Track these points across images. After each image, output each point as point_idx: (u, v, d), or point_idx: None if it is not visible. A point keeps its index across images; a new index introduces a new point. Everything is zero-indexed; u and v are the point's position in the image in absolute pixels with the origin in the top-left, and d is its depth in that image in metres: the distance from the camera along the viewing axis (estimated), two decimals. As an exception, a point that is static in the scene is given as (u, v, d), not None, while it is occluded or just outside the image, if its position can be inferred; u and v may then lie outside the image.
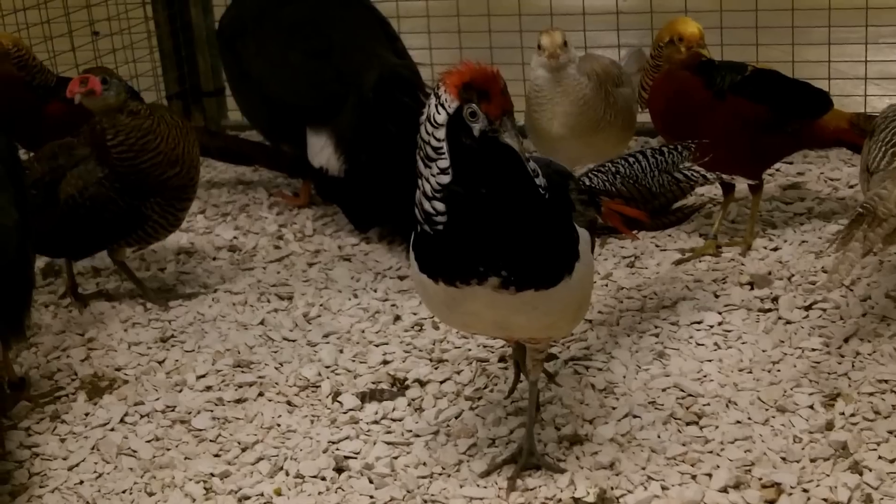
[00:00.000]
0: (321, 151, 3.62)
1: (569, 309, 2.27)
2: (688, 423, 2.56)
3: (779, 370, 2.73)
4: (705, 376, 2.73)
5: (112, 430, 2.69)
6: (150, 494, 2.47)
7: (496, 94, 2.07)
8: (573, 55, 3.34)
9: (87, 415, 2.76)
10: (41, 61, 3.76)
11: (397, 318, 3.10)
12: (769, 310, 3.01)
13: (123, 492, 2.48)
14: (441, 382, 2.78)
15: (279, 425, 2.67)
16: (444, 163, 2.09)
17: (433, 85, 2.13)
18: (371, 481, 2.45)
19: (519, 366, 2.63)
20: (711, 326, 2.94)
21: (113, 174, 3.07)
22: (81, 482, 2.52)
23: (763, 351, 2.82)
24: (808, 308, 2.99)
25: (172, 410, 2.75)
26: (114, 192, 3.07)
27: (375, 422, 2.65)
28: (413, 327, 3.04)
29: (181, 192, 3.14)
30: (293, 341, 3.03)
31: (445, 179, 2.09)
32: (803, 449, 2.45)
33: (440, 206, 2.10)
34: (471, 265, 2.12)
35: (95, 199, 3.08)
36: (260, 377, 2.86)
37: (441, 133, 2.08)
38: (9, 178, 2.69)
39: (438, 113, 2.08)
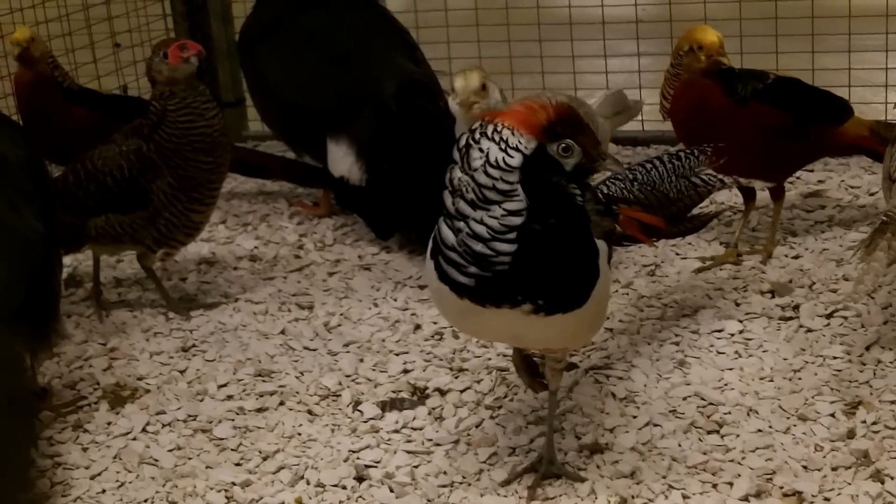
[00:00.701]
0: (342, 161, 3.63)
1: (586, 323, 2.26)
2: (709, 432, 2.55)
3: (800, 378, 2.72)
4: (726, 385, 2.72)
5: (134, 439, 2.71)
6: (172, 503, 2.48)
7: (586, 127, 2.07)
8: (495, 100, 2.79)
9: (109, 424, 2.77)
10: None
11: (417, 327, 3.11)
12: (790, 318, 3.00)
13: (145, 501, 2.49)
14: (461, 391, 2.78)
15: (300, 434, 2.68)
16: (517, 204, 2.03)
17: (483, 129, 2.06)
18: (392, 490, 2.45)
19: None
20: (732, 335, 2.94)
21: (144, 146, 3.09)
22: (103, 491, 2.53)
23: (784, 359, 2.81)
24: (829, 316, 2.98)
25: (194, 419, 2.76)
26: (127, 161, 3.10)
27: (396, 431, 2.66)
28: (433, 336, 3.05)
29: (195, 188, 3.14)
30: (314, 350, 3.04)
31: (517, 221, 2.03)
32: (825, 457, 2.44)
33: (507, 247, 2.04)
34: (510, 295, 2.09)
35: (107, 159, 3.12)
36: (281, 386, 2.87)
37: (514, 176, 2.02)
38: (35, 191, 2.72)
39: (511, 156, 2.02)
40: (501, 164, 2.03)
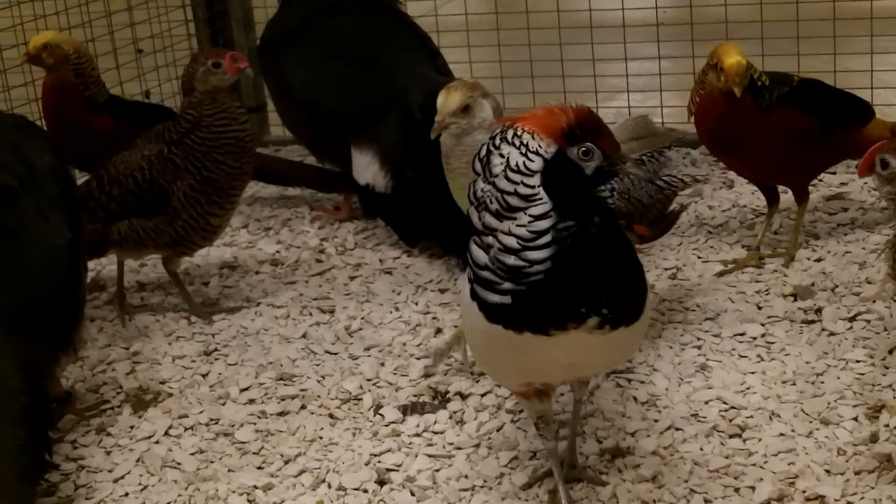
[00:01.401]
0: (367, 169, 3.65)
1: (641, 334, 2.20)
2: (731, 436, 2.55)
3: (822, 382, 2.71)
4: (748, 388, 2.72)
5: (156, 442, 2.72)
6: (194, 507, 2.50)
7: (607, 130, 2.04)
8: (482, 119, 2.69)
9: (131, 427, 2.79)
10: (99, 75, 3.80)
11: (438, 330, 3.11)
12: (812, 321, 2.99)
13: (168, 504, 2.51)
14: (482, 395, 2.78)
15: (321, 438, 2.68)
16: (541, 208, 1.99)
17: (503, 134, 2.03)
18: (413, 494, 2.45)
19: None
20: (754, 338, 2.93)
21: (165, 149, 3.13)
22: (126, 494, 2.55)
23: (806, 363, 2.80)
24: (851, 319, 2.97)
25: (216, 423, 2.77)
26: (148, 164, 3.14)
27: (417, 434, 2.66)
28: (454, 340, 3.05)
29: (216, 192, 3.16)
30: (335, 354, 3.05)
31: (545, 224, 1.98)
32: (847, 461, 2.43)
33: (539, 254, 1.98)
34: (572, 308, 2.01)
35: (129, 163, 3.17)
36: (302, 390, 2.88)
37: (534, 180, 1.99)
38: (61, 197, 2.74)
39: (531, 160, 1.99)
40: (522, 168, 2.01)
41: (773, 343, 2.90)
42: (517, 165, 2.01)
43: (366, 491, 2.48)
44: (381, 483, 2.50)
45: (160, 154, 3.14)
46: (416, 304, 3.28)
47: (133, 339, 3.22)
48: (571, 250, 1.99)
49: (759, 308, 3.08)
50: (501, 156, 2.03)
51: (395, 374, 2.92)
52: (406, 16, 4.00)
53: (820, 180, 3.77)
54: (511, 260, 2.00)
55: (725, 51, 3.11)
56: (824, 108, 3.25)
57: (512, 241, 2.00)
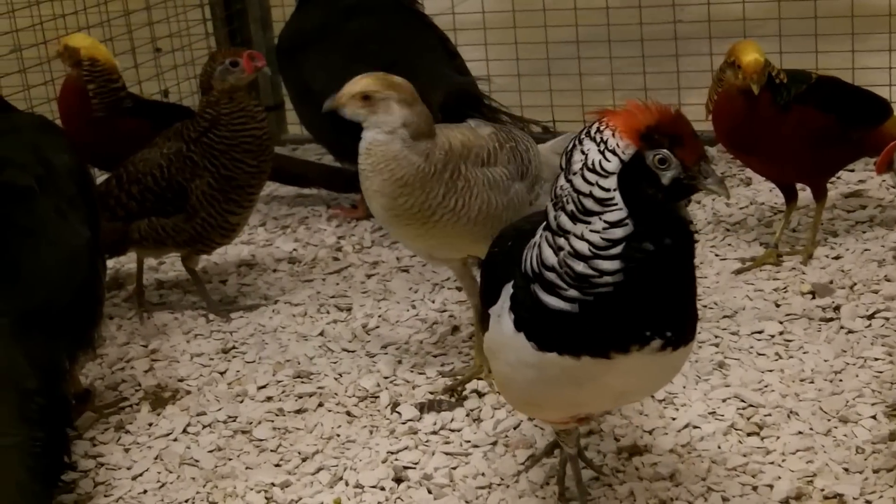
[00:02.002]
0: None
1: (688, 356, 2.07)
2: (748, 434, 2.54)
3: (841, 380, 2.70)
4: (766, 386, 2.71)
5: (175, 440, 2.73)
6: (213, 504, 2.51)
7: (690, 138, 1.86)
8: (383, 120, 2.65)
9: (150, 425, 2.80)
10: (119, 75, 3.78)
11: (455, 328, 3.11)
12: (831, 319, 2.98)
13: (186, 501, 2.51)
14: (499, 393, 2.78)
15: (339, 436, 2.69)
16: (616, 215, 1.84)
17: (588, 128, 1.89)
18: (430, 492, 2.46)
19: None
20: (772, 336, 2.92)
21: (184, 147, 3.16)
22: (145, 491, 2.56)
23: (825, 361, 2.79)
24: (870, 317, 2.95)
25: (234, 421, 2.79)
26: (167, 162, 3.17)
27: (434, 432, 2.66)
28: (471, 338, 3.05)
29: (235, 190, 3.17)
30: (352, 352, 3.05)
31: (619, 233, 1.84)
32: (866, 460, 2.42)
33: (610, 265, 1.85)
34: (637, 330, 1.89)
35: (148, 161, 3.20)
36: (319, 388, 2.89)
37: (610, 182, 1.84)
38: (80, 196, 2.76)
39: (607, 160, 1.84)
40: (597, 167, 1.85)
41: (791, 341, 2.89)
42: (593, 164, 1.86)
43: (383, 489, 2.48)
44: (399, 481, 2.50)
45: (179, 152, 3.16)
46: (433, 301, 3.29)
47: (151, 336, 3.23)
48: (644, 268, 1.86)
49: (777, 306, 3.07)
50: (582, 152, 1.88)
51: (412, 371, 2.92)
52: (425, 17, 4.00)
53: (838, 178, 3.76)
54: (580, 266, 1.87)
55: (743, 48, 3.10)
56: (842, 106, 3.24)
57: (584, 247, 1.87)
